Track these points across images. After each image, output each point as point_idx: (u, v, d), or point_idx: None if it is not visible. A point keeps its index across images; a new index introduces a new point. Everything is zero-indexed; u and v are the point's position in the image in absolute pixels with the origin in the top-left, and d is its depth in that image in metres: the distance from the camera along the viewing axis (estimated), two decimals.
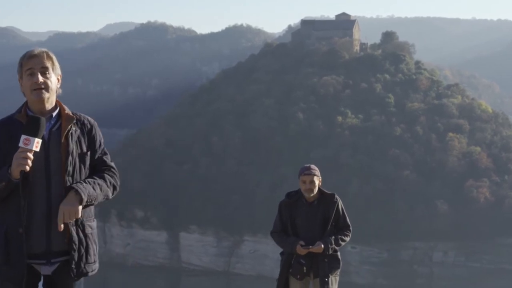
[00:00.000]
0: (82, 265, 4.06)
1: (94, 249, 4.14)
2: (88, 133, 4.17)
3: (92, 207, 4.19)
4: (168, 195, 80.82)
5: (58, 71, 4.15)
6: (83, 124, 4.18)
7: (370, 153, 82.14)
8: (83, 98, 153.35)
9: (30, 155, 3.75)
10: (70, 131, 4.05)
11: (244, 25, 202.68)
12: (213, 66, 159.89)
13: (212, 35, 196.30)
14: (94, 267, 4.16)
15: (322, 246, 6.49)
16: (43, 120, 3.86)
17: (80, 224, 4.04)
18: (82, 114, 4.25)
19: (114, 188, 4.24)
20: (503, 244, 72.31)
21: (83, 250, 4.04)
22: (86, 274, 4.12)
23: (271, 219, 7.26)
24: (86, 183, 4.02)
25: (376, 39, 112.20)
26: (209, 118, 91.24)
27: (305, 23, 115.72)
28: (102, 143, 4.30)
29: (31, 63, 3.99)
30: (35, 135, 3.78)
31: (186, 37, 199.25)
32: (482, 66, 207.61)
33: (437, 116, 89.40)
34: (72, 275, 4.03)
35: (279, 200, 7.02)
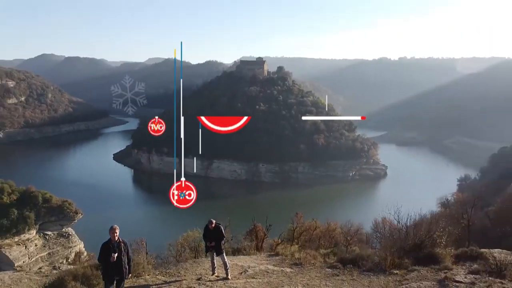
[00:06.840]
0: (126, 277, 15.69)
1: (127, 271, 15.60)
2: (124, 244, 15.05)
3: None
4: None
5: None
6: (124, 243, 15.06)
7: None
8: None
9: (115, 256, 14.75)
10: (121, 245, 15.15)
11: (214, 60, 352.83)
12: (198, 82, 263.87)
13: (198, 65, 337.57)
14: (128, 276, 15.80)
15: (216, 243, 17.38)
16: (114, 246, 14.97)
17: (125, 263, 15.30)
18: (121, 239, 14.84)
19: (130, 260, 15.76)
20: None
21: (127, 272, 15.56)
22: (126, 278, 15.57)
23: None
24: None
25: (274, 68, 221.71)
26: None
27: (243, 62, 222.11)
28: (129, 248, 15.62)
29: (111, 233, 15.08)
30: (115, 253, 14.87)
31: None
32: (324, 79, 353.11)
33: (301, 106, 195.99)
34: (124, 279, 15.52)
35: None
